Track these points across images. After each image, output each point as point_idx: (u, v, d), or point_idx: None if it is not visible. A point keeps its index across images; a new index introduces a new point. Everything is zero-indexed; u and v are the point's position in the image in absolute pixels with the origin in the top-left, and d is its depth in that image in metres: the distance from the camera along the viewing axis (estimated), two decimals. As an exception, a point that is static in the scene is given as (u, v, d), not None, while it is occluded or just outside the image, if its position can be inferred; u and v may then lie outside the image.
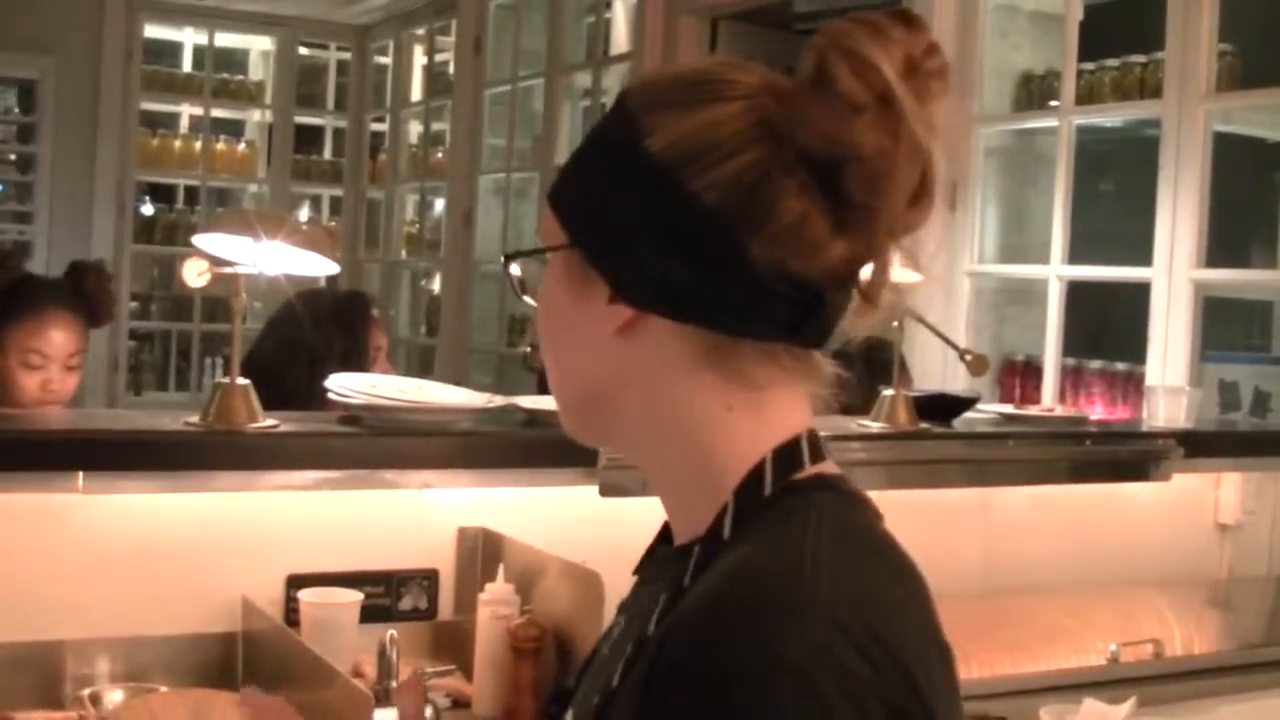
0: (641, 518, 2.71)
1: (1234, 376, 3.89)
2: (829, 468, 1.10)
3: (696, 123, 1.06)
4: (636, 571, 1.23)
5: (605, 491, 2.53)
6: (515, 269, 1.23)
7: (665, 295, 1.07)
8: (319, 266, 2.57)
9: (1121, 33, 4.45)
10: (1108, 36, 4.42)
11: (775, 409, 1.10)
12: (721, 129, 1.05)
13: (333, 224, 9.13)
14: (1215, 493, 3.63)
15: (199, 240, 2.50)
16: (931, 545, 2.74)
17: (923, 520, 2.92)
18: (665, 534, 1.18)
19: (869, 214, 1.03)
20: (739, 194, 1.03)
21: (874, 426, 2.96)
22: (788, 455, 1.08)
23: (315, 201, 9.54)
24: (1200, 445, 3.32)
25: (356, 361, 3.58)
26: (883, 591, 1.02)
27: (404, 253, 8.69)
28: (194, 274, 2.31)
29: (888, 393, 2.98)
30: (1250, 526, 3.64)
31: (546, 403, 2.97)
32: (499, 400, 2.67)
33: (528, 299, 1.20)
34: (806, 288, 1.05)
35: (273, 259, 2.47)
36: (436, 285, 8.22)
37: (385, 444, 2.45)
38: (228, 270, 2.37)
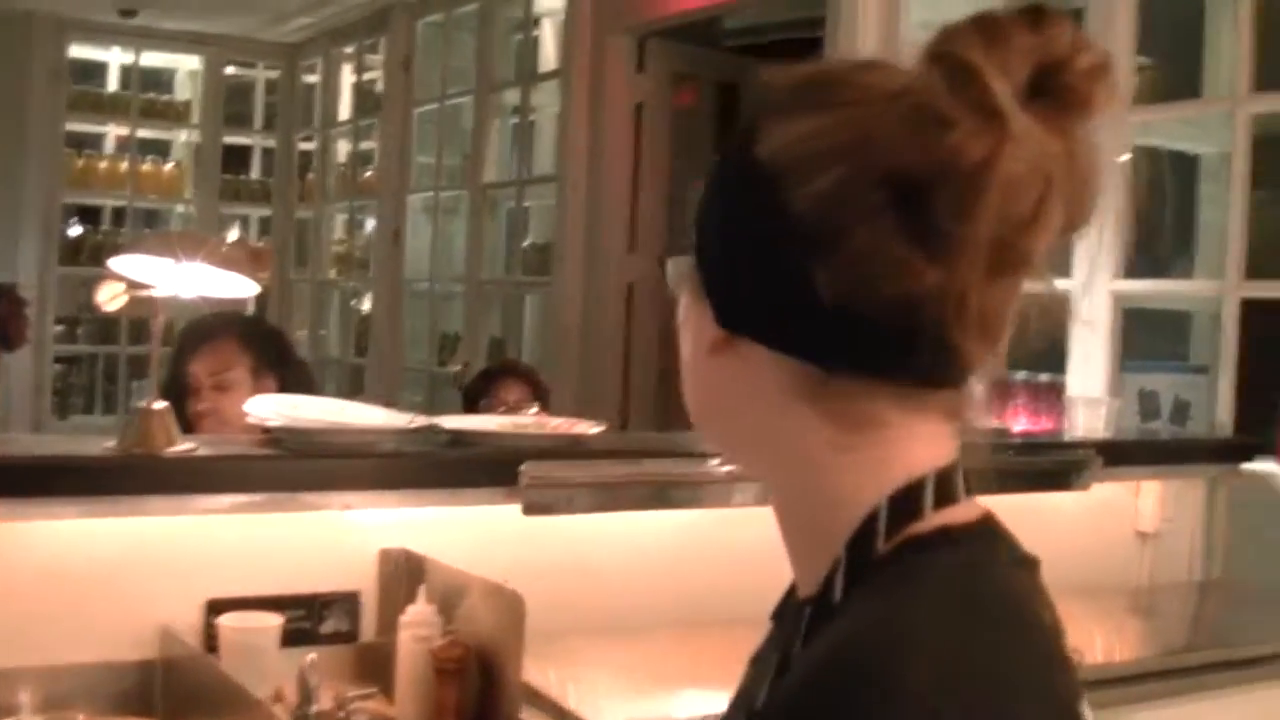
0: (565, 536, 2.74)
1: (1154, 386, 3.94)
2: (960, 513, 0.99)
3: (800, 130, 0.96)
4: (774, 617, 1.13)
5: (528, 510, 2.53)
6: (675, 271, 1.12)
7: (749, 317, 0.99)
8: (240, 287, 2.56)
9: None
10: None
11: (894, 449, 0.98)
12: (821, 139, 0.95)
13: (261, 244, 9.10)
14: (1135, 501, 3.68)
15: (117, 263, 2.49)
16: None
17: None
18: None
19: (962, 242, 0.91)
20: (819, 212, 0.94)
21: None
22: (905, 502, 0.97)
23: (244, 221, 9.48)
24: (1120, 455, 3.37)
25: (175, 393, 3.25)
26: (997, 671, 0.90)
27: (333, 272, 8.65)
28: (108, 297, 2.30)
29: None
30: (1170, 534, 3.69)
31: (470, 422, 2.98)
32: (421, 420, 2.67)
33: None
34: (901, 320, 0.93)
35: (193, 280, 2.46)
36: (367, 305, 8.19)
37: (306, 466, 2.45)
38: (144, 293, 2.35)
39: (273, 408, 2.54)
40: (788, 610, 1.09)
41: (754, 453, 1.06)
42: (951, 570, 0.95)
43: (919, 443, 0.99)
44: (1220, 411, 3.72)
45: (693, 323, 1.05)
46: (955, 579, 0.94)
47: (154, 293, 2.37)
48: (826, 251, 0.93)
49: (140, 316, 3.62)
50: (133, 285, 2.35)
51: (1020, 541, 1.03)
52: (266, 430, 2.49)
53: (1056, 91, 0.92)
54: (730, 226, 1.00)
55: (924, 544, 0.96)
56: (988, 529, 1.00)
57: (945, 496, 0.98)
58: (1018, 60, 0.91)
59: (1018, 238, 0.91)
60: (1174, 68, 4.22)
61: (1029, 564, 1.01)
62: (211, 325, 3.55)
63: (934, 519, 0.97)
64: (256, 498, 2.39)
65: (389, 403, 6.45)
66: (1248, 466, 3.63)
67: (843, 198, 0.93)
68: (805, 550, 1.03)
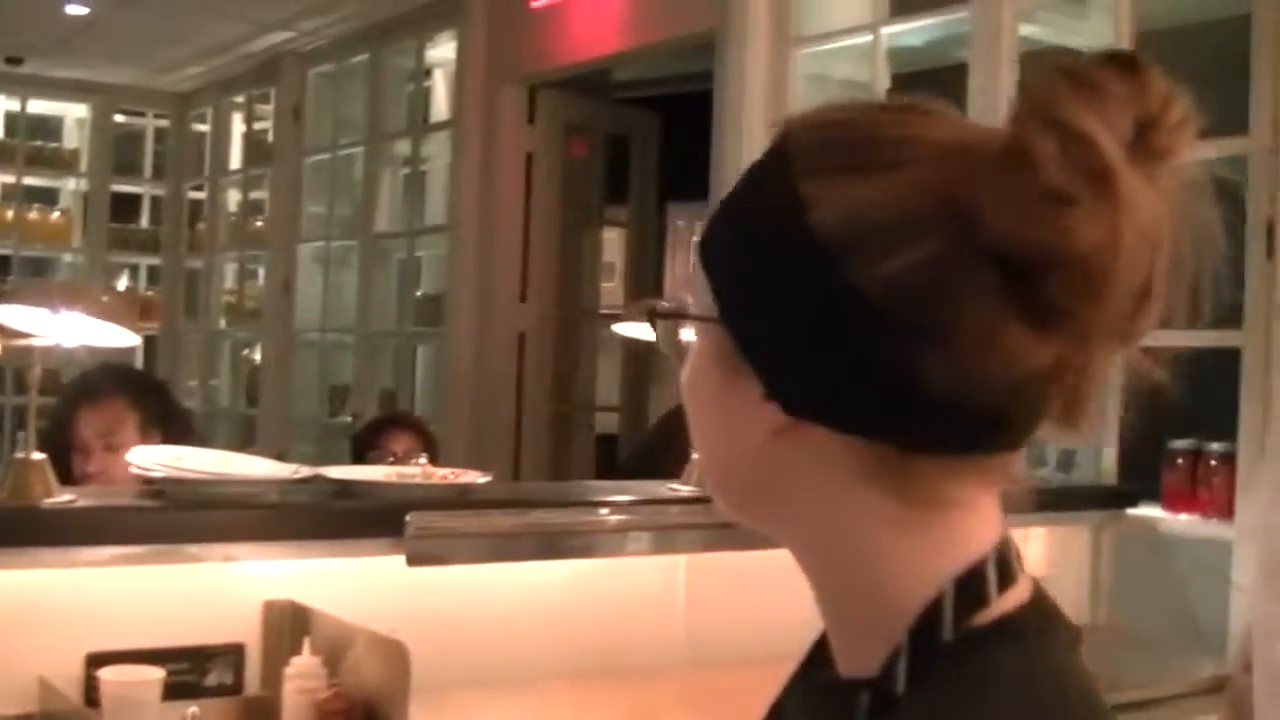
0: (454, 586, 2.73)
1: (1039, 435, 3.98)
2: (1017, 594, 0.93)
3: (865, 197, 0.86)
4: (789, 689, 1.07)
5: (413, 561, 2.52)
6: (660, 324, 1.06)
7: (829, 406, 0.89)
8: (120, 337, 2.53)
9: (926, 100, 4.56)
10: (913, 104, 4.52)
11: (958, 527, 0.92)
12: (893, 206, 0.85)
13: (150, 293, 9.00)
14: (1022, 548, 3.71)
15: (-6, 313, 2.45)
16: (756, 606, 2.79)
17: (743, 583, 2.97)
18: (821, 648, 1.01)
19: (1081, 321, 0.83)
20: (912, 294, 0.84)
21: (684, 490, 2.98)
22: (971, 586, 0.90)
23: (133, 270, 9.36)
24: (1006, 502, 3.39)
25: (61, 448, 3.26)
26: None
27: (224, 322, 8.57)
28: (-17, 347, 2.27)
29: (697, 456, 2.99)
30: (1056, 580, 3.72)
31: (356, 473, 2.96)
32: (307, 471, 2.65)
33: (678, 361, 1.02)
34: (1000, 397, 0.86)
35: (73, 330, 2.43)
36: (258, 355, 8.12)
37: (188, 518, 2.42)
38: (21, 343, 2.32)
39: (156, 459, 2.51)
40: (812, 687, 1.02)
41: (807, 536, 0.96)
42: (1019, 668, 0.89)
43: (978, 516, 0.93)
44: (1105, 459, 3.78)
45: (726, 391, 0.94)
46: (1023, 684, 0.89)
47: (33, 342, 2.33)
48: (928, 338, 0.84)
49: (20, 366, 3.57)
50: (10, 334, 2.31)
51: (1063, 611, 0.98)
52: (150, 482, 2.46)
53: (1151, 147, 0.84)
54: (786, 303, 0.89)
55: (988, 639, 0.90)
56: (1041, 610, 0.94)
57: (1007, 573, 0.92)
58: (1118, 117, 0.83)
59: (1135, 310, 0.84)
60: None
61: (1078, 641, 0.97)
62: (99, 383, 3.50)
63: (997, 607, 0.91)
64: (138, 549, 2.36)
65: (280, 454, 6.38)
66: (1133, 512, 3.69)
67: (934, 279, 0.84)
68: (854, 631, 0.95)
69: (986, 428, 0.88)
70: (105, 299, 2.65)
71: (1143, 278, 0.83)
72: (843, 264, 0.85)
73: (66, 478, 3.09)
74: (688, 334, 1.01)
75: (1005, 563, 0.92)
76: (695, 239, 1.00)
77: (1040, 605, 0.94)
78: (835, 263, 0.86)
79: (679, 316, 1.01)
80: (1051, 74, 0.84)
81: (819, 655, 1.01)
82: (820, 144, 0.91)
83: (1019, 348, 0.83)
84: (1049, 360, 0.84)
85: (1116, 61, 0.85)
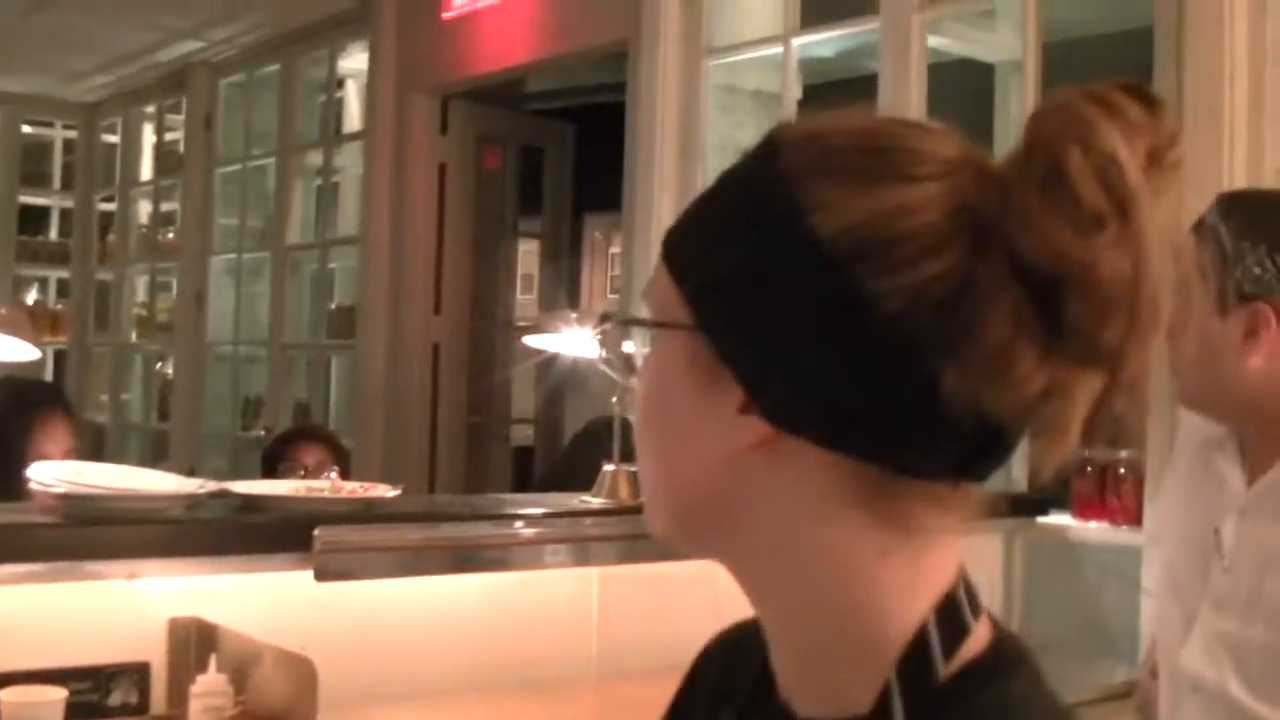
0: (363, 601, 2.70)
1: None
2: (985, 622, 0.91)
3: (880, 206, 0.83)
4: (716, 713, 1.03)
5: (320, 576, 2.50)
6: (619, 336, 1.01)
7: (821, 418, 0.85)
8: (19, 351, 2.49)
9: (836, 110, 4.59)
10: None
11: (934, 555, 0.89)
12: (912, 218, 0.83)
13: (59, 306, 8.89)
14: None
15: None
16: (670, 618, 2.78)
17: (653, 593, 2.97)
18: (761, 681, 0.97)
19: (1090, 344, 0.82)
20: (932, 307, 0.81)
21: (595, 502, 2.97)
22: (951, 617, 0.88)
23: (42, 283, 9.24)
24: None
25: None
26: None
27: (135, 335, 8.47)
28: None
29: (609, 468, 3.00)
30: (968, 589, 3.75)
31: (263, 487, 2.93)
32: (213, 485, 2.62)
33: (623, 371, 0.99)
34: (992, 422, 0.83)
35: (-30, 345, 2.39)
36: (170, 369, 8.03)
37: (89, 534, 2.38)
38: (-84, 358, 2.28)
39: (56, 474, 2.47)
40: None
41: (771, 560, 0.90)
42: (1027, 704, 0.88)
43: (952, 545, 0.90)
44: (1015, 466, 3.80)
45: (693, 402, 0.90)
46: (1039, 713, 0.89)
47: (-72, 357, 2.29)
48: (942, 353, 0.82)
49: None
50: (-95, 349, 2.27)
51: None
52: (50, 497, 2.42)
53: (1154, 179, 0.82)
54: (786, 311, 0.85)
55: (982, 677, 0.87)
56: (1010, 634, 0.92)
57: (975, 603, 0.90)
58: (1139, 144, 0.82)
59: (1137, 337, 0.83)
60: (966, 132, 4.33)
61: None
62: (44, 395, 3.46)
63: (981, 638, 0.89)
64: (37, 567, 2.32)
65: (191, 468, 6.34)
66: (1043, 520, 3.72)
67: (956, 293, 0.82)
68: (818, 664, 0.91)
69: (980, 452, 0.86)
70: (2, 311, 2.61)
71: (1150, 306, 0.81)
72: (851, 273, 0.82)
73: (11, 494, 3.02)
74: (630, 346, 0.98)
75: (972, 592, 0.90)
76: (661, 244, 0.92)
77: (1006, 629, 0.92)
78: (841, 271, 0.82)
79: (650, 324, 0.93)
80: (1076, 96, 0.82)
81: (766, 685, 0.96)
82: (822, 152, 0.87)
83: (1028, 368, 0.81)
84: (1043, 385, 0.82)
85: (1131, 90, 0.83)
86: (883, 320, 0.81)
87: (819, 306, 0.83)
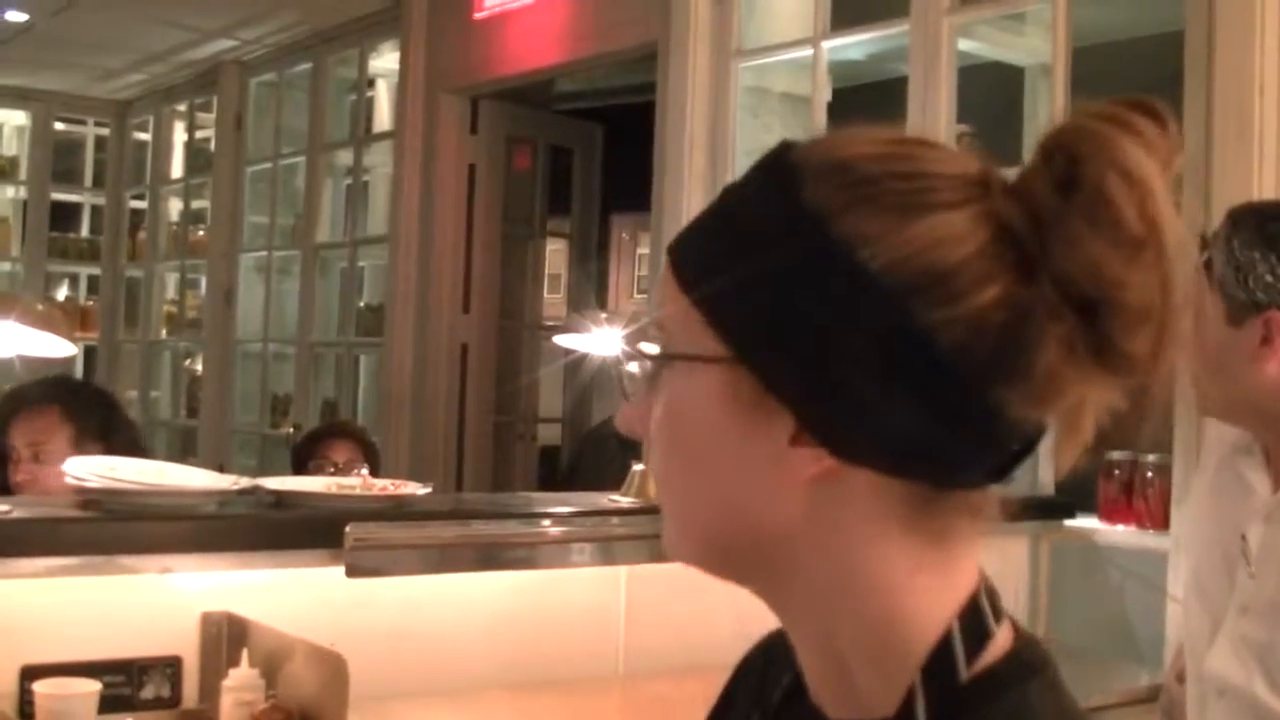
0: (394, 598, 2.72)
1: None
2: (1008, 627, 0.92)
3: (923, 237, 0.83)
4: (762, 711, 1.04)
5: (351, 573, 2.51)
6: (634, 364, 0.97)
7: (883, 447, 0.85)
8: (56, 347, 2.52)
9: (866, 114, 4.59)
10: (853, 117, 4.55)
11: (961, 563, 0.90)
12: (959, 247, 0.83)
13: (89, 303, 8.92)
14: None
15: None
16: (696, 617, 2.80)
17: (680, 593, 2.98)
18: (794, 685, 0.98)
19: (1123, 358, 0.83)
20: (989, 336, 0.83)
21: (624, 501, 2.98)
22: (974, 622, 0.89)
23: (73, 280, 9.29)
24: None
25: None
26: None
27: (164, 332, 8.51)
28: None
29: (638, 467, 3.01)
30: (994, 591, 3.75)
31: (294, 483, 2.95)
32: (245, 482, 2.64)
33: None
34: (1034, 433, 0.87)
35: (6, 340, 2.41)
36: (198, 365, 8.07)
37: (124, 528, 2.40)
38: (-46, 353, 2.31)
39: (90, 469, 2.49)
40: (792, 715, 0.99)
41: (810, 584, 0.90)
42: (1047, 709, 0.90)
43: (975, 551, 0.91)
44: (1042, 470, 3.81)
45: (735, 435, 0.89)
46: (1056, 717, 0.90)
47: (-34, 352, 2.32)
48: (1003, 378, 0.83)
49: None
50: (-56, 345, 2.30)
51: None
52: (85, 492, 2.45)
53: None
54: (845, 345, 0.84)
55: (1009, 676, 0.89)
56: (1032, 638, 0.93)
57: (997, 608, 0.91)
58: (1156, 162, 0.83)
59: (1164, 348, 0.84)
60: (993, 134, 4.33)
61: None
62: (33, 393, 3.46)
63: (1003, 642, 0.90)
64: (71, 561, 2.34)
65: (220, 465, 6.37)
66: (1070, 523, 3.72)
67: (1012, 321, 0.83)
68: (848, 670, 0.91)
69: (1017, 458, 0.87)
70: (40, 308, 2.64)
71: (1176, 317, 0.83)
72: (909, 306, 0.82)
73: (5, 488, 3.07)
74: (633, 369, 0.96)
75: (992, 594, 0.91)
76: (693, 280, 0.90)
77: (1027, 633, 0.93)
78: (899, 305, 0.83)
79: (683, 359, 0.90)
80: (1094, 116, 0.84)
81: (798, 689, 0.97)
82: (852, 181, 0.86)
83: (1074, 384, 0.83)
84: (1078, 397, 0.84)
85: (1142, 107, 0.85)
86: (945, 351, 0.82)
87: (879, 341, 0.83)
